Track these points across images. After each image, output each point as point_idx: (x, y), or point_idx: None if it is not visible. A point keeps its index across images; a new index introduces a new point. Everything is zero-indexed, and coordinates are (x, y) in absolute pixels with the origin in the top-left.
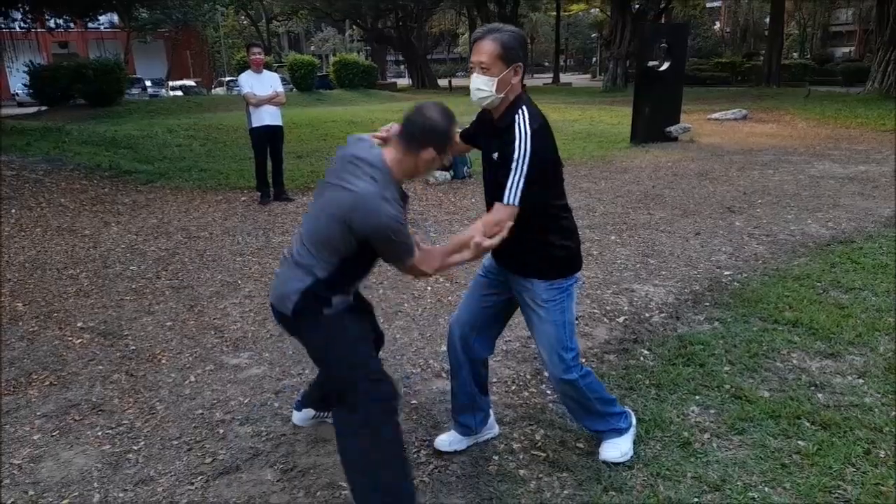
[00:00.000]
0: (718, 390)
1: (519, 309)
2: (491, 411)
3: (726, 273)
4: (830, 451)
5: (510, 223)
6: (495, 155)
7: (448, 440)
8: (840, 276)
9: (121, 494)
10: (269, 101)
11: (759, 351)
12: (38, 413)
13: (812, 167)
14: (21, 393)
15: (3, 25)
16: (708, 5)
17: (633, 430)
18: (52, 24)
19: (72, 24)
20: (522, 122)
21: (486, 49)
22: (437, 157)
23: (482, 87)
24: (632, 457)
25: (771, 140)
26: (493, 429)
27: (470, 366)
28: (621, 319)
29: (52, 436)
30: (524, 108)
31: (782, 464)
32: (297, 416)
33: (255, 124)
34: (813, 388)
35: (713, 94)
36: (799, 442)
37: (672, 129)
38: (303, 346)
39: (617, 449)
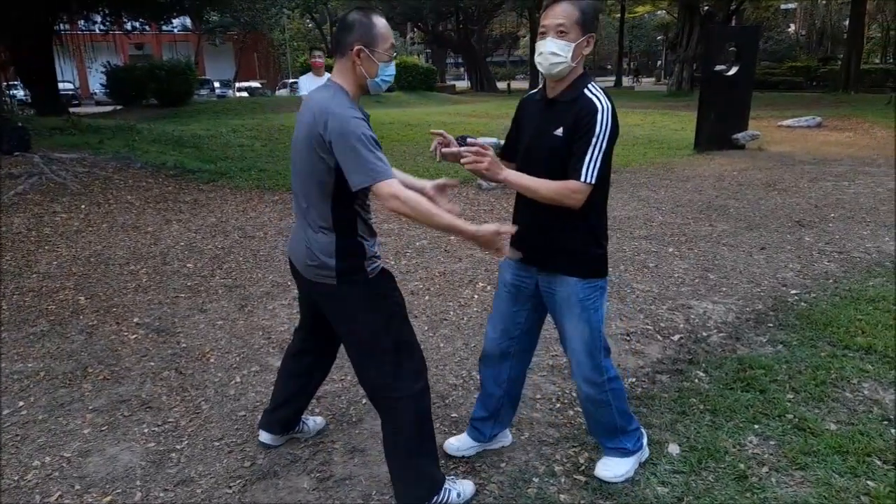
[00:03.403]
0: (780, 420)
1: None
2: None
3: (793, 292)
4: None
5: (581, 201)
6: (559, 130)
7: (457, 445)
8: None
9: (161, 494)
10: None
11: (826, 379)
12: (90, 407)
13: (892, 180)
14: (76, 386)
15: (85, 28)
16: (782, 7)
17: (640, 454)
18: (128, 26)
19: (147, 27)
20: (601, 95)
21: (566, 11)
22: (368, 50)
23: (558, 51)
24: (628, 479)
25: (847, 149)
26: (505, 438)
27: (503, 382)
28: (676, 338)
29: (102, 430)
30: (593, 82)
31: None
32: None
33: None
34: (886, 422)
35: (785, 100)
36: (868, 482)
37: (739, 136)
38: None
39: (612, 469)
